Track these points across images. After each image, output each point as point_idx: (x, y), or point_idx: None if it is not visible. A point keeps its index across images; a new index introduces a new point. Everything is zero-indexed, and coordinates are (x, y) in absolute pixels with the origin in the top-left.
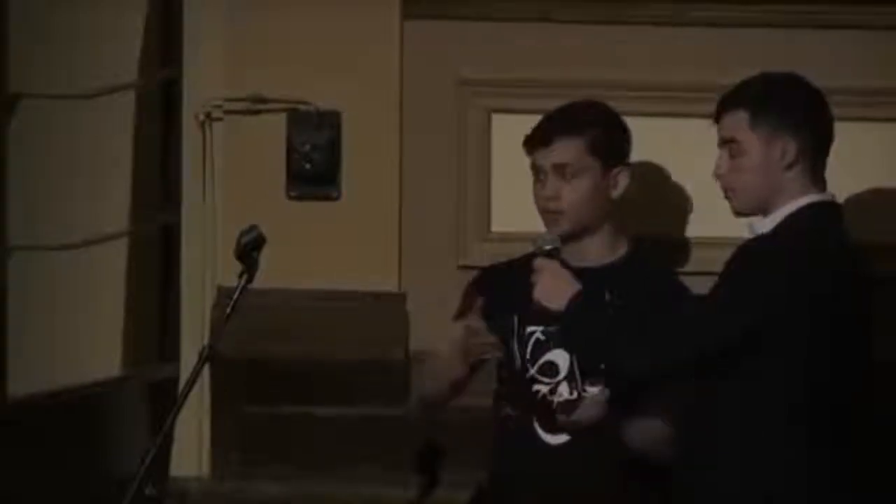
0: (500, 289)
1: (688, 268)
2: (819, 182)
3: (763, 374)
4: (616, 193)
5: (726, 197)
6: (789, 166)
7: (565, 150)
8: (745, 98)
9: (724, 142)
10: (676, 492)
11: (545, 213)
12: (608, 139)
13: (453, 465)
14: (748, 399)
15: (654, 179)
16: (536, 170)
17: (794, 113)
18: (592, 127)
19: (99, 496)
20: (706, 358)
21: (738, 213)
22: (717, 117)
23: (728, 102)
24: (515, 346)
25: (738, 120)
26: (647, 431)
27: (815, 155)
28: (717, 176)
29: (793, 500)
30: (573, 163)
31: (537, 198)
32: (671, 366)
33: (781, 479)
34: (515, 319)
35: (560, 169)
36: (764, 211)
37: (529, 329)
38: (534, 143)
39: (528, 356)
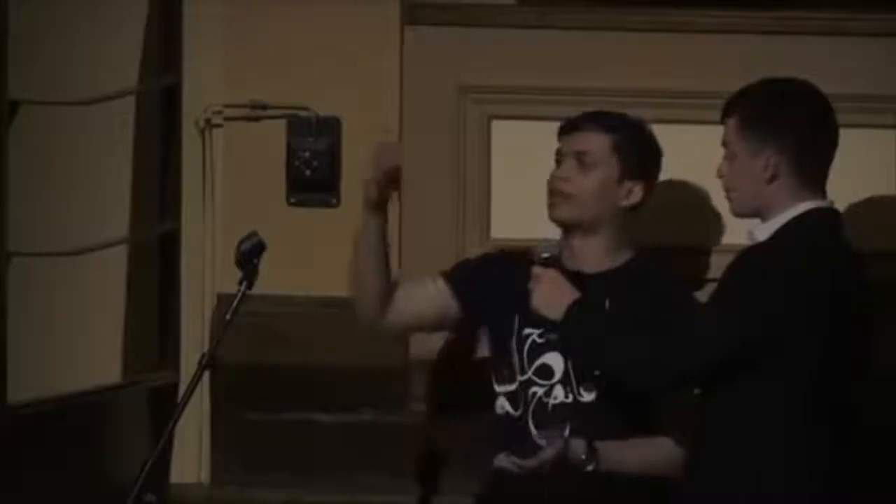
0: (501, 284)
1: (693, 275)
2: (817, 189)
3: (762, 376)
4: (626, 203)
5: (727, 198)
6: (771, 180)
7: (589, 139)
8: (738, 106)
9: (723, 145)
10: (674, 492)
11: (553, 194)
12: (634, 147)
13: (454, 471)
14: (747, 400)
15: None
16: (560, 155)
17: (786, 125)
18: (622, 131)
19: (99, 502)
20: (707, 367)
21: (737, 214)
22: (721, 119)
23: (728, 107)
24: (514, 347)
25: (731, 127)
26: (655, 453)
27: (810, 164)
28: (719, 177)
29: (793, 501)
30: (593, 152)
31: (551, 178)
32: (672, 376)
33: (781, 480)
34: (516, 320)
35: (580, 156)
36: (761, 215)
37: (527, 331)
38: (564, 129)
39: (525, 358)
